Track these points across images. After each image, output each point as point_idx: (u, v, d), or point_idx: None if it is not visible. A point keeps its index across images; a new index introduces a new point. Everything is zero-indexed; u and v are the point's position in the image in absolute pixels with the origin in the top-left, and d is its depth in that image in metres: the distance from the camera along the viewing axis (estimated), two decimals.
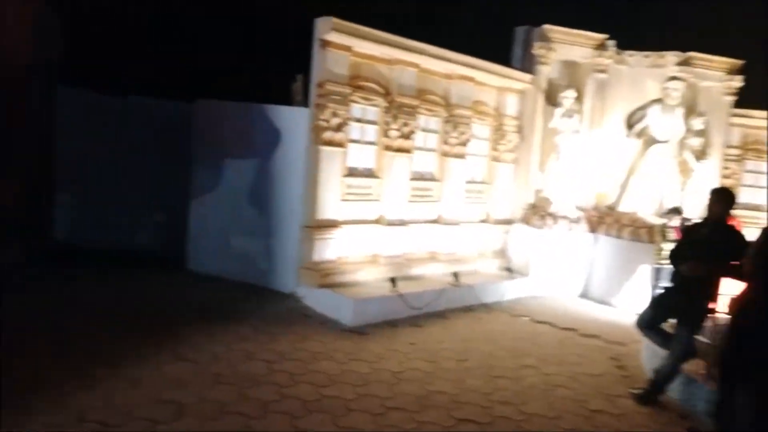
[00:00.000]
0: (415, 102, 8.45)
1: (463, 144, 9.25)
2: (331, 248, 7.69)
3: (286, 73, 8.13)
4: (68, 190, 8.97)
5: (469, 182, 9.63)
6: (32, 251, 7.78)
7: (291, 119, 7.76)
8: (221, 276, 8.17)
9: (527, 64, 10.23)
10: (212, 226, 8.43)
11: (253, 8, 11.08)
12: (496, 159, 10.12)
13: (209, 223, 8.46)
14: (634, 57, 10.21)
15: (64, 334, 5.55)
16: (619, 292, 9.62)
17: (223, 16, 10.94)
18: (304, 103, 7.66)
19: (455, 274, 8.63)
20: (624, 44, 10.19)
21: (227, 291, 7.69)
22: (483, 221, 9.98)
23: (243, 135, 8.11)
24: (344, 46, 7.45)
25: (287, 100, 8.03)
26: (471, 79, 9.20)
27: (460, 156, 9.26)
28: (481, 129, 9.78)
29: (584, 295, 9.99)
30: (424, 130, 8.84)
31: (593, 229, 10.11)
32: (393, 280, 7.80)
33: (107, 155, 9.13)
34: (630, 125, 10.25)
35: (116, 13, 10.01)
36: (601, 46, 10.13)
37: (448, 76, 8.93)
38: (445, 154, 9.12)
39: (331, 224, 7.69)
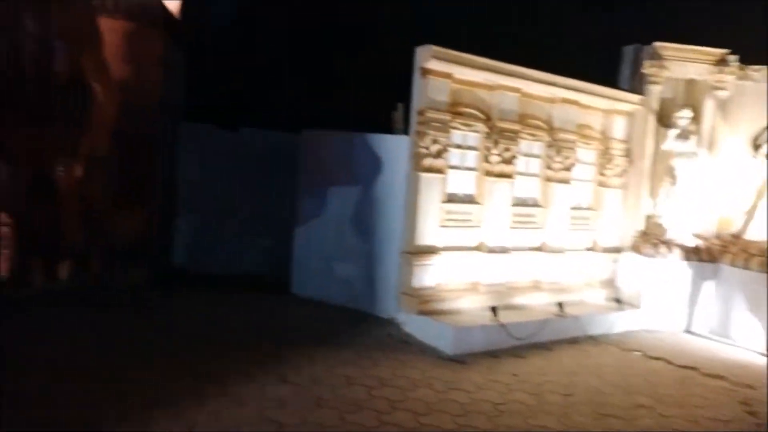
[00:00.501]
0: (516, 127, 8.30)
1: (568, 169, 8.94)
2: (430, 275, 7.64)
3: (387, 102, 8.30)
4: (185, 217, 9.63)
5: (574, 208, 9.25)
6: (154, 274, 8.38)
7: (392, 147, 7.89)
8: (323, 300, 8.36)
9: (636, 85, 9.74)
10: (316, 252, 8.68)
11: (354, 40, 11.48)
12: (602, 184, 9.66)
13: (313, 248, 8.72)
14: (760, 72, 9.42)
15: (179, 353, 5.90)
16: (744, 329, 8.74)
17: (327, 49, 11.41)
18: (405, 130, 7.76)
19: (560, 304, 8.26)
20: (746, 59, 9.44)
21: (328, 315, 7.84)
22: (589, 249, 9.51)
23: (346, 163, 8.34)
24: (444, 73, 7.49)
25: (388, 129, 8.18)
26: (575, 102, 8.90)
27: (565, 181, 8.94)
28: (586, 153, 9.39)
29: (701, 330, 9.17)
30: (526, 155, 8.64)
31: (714, 259, 9.30)
32: (494, 309, 7.60)
33: (219, 184, 9.73)
34: (756, 146, 9.41)
35: (229, 52, 10.76)
36: (721, 62, 9.44)
37: (551, 100, 8.71)
38: (549, 180, 8.85)
39: (431, 250, 7.66)
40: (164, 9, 8.11)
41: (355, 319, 7.75)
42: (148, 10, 7.87)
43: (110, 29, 6.60)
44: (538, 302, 8.49)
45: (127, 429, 4.21)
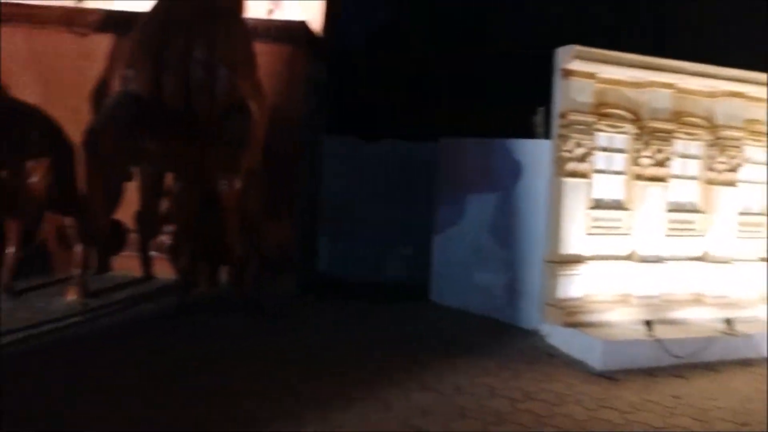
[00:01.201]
0: (670, 126, 7.65)
1: (734, 170, 8.05)
2: (576, 285, 7.26)
3: (526, 106, 8.09)
4: (328, 227, 10.08)
5: (742, 213, 8.29)
6: (302, 283, 8.84)
7: (532, 152, 7.65)
8: (462, 309, 8.28)
9: None
10: (454, 260, 8.64)
11: (488, 43, 11.35)
12: None
13: (451, 256, 8.69)
14: None
15: (326, 356, 6.16)
16: None
17: (462, 55, 11.40)
18: (546, 134, 7.50)
19: (728, 321, 7.43)
20: None
21: (468, 324, 7.75)
22: (763, 259, 8.46)
23: (484, 170, 8.23)
24: (588, 73, 7.12)
25: (528, 133, 7.95)
26: (741, 95, 8.00)
27: (730, 183, 8.05)
28: (756, 152, 8.39)
29: None
30: (683, 155, 7.93)
31: None
32: (648, 323, 7.02)
33: (361, 194, 10.06)
34: None
35: (369, 65, 11.14)
36: None
37: (711, 95, 7.91)
38: (711, 182, 8.03)
39: (576, 259, 7.28)
40: (308, 29, 8.59)
41: (496, 328, 7.58)
42: (294, 32, 8.40)
43: (260, 51, 7.13)
44: (701, 317, 7.71)
45: (278, 428, 4.45)
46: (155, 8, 6.05)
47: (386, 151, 10.17)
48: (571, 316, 7.12)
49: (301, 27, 8.45)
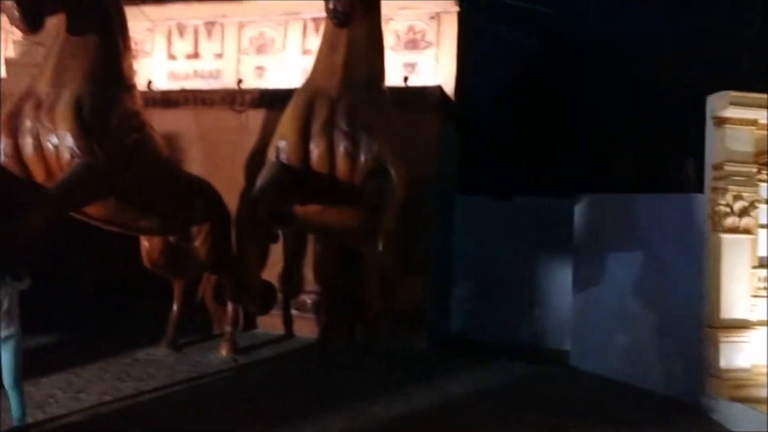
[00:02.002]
0: None
1: None
2: (744, 354, 6.51)
3: (671, 158, 7.64)
4: (461, 285, 9.98)
5: None
6: (434, 341, 8.78)
7: (682, 207, 7.14)
8: (605, 375, 7.71)
9: None
10: (596, 322, 8.15)
11: (628, 96, 10.95)
12: None
13: (593, 318, 8.21)
14: None
15: (471, 414, 6.01)
16: None
17: (598, 109, 11.08)
18: (698, 188, 6.99)
19: None
20: None
21: (613, 392, 7.19)
22: None
23: (628, 227, 7.78)
24: (746, 120, 6.60)
25: (675, 187, 7.46)
26: None
27: None
28: None
29: None
30: None
31: None
32: None
33: (493, 253, 9.90)
34: None
35: (500, 123, 11.17)
36: None
37: None
38: None
39: (741, 325, 6.56)
40: (441, 93, 8.87)
41: (645, 399, 6.95)
42: (428, 97, 8.71)
43: (397, 117, 7.44)
44: None
45: None
46: (304, 85, 6.60)
47: (519, 208, 9.99)
48: (739, 389, 6.37)
49: (435, 92, 8.75)
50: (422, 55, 9.41)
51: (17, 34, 9.29)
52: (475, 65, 10.37)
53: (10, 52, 10.22)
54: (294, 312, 8.93)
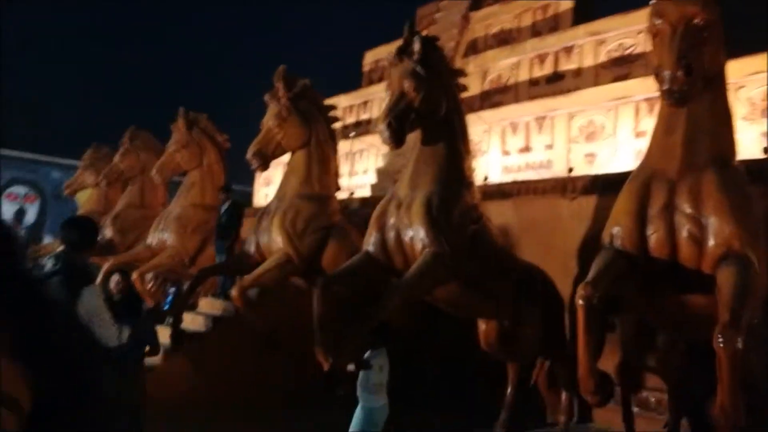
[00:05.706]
0: None
1: None
2: None
3: None
4: None
5: None
6: None
7: None
8: None
9: None
10: None
11: None
12: None
13: None
14: None
15: None
16: None
17: None
18: None
19: None
20: None
21: None
22: None
23: None
24: None
25: None
26: None
27: None
28: None
29: None
30: None
31: None
32: None
33: None
34: None
35: None
36: None
37: None
38: None
39: None
40: None
41: None
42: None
43: (755, 194, 6.49)
44: None
45: None
46: (638, 169, 6.35)
47: None
48: None
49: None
50: None
51: (384, 149, 11.47)
52: None
53: (380, 162, 12.58)
54: (635, 409, 8.19)
